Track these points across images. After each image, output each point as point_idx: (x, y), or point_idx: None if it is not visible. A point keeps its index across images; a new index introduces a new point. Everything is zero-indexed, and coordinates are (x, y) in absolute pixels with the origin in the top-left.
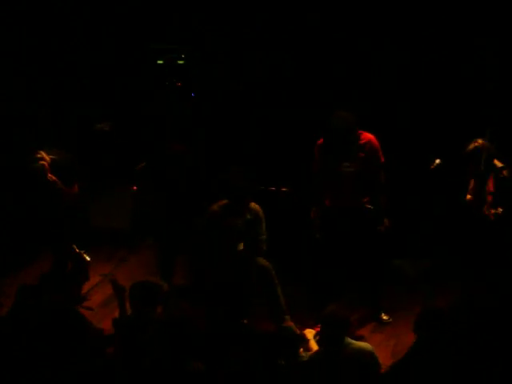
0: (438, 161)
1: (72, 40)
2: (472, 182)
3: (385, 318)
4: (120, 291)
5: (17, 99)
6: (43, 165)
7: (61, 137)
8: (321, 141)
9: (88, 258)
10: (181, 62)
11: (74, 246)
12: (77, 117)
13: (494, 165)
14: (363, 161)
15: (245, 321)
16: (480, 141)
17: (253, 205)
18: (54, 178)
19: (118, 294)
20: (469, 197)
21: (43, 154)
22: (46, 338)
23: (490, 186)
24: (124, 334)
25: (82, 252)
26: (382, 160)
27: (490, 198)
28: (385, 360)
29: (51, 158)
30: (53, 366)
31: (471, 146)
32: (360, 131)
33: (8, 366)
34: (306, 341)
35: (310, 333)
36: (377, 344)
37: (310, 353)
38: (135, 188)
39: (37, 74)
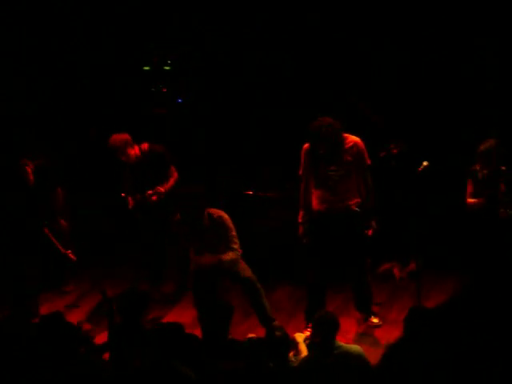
0: (425, 163)
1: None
2: (470, 185)
3: (375, 321)
4: (108, 302)
5: (17, 99)
6: (27, 170)
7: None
8: (307, 145)
9: (74, 258)
10: (167, 68)
11: (60, 247)
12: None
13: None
14: (350, 164)
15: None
16: (492, 141)
17: (212, 211)
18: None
19: (106, 305)
20: (471, 200)
21: (27, 160)
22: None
23: (502, 186)
24: (114, 341)
25: (68, 252)
26: (369, 162)
27: (502, 198)
28: (375, 362)
29: (35, 164)
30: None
31: (483, 147)
32: (345, 134)
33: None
34: (296, 344)
35: (299, 336)
36: (367, 347)
37: (300, 356)
38: (123, 194)
39: (37, 74)
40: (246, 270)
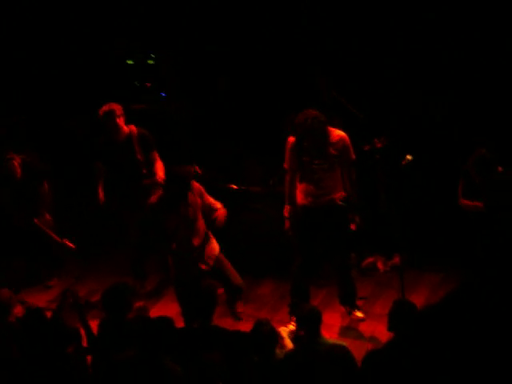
0: (409, 157)
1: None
2: (462, 184)
3: (359, 315)
4: (80, 308)
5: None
6: (14, 164)
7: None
8: (292, 138)
9: (72, 246)
10: (150, 61)
11: (56, 237)
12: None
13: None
14: (335, 158)
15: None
16: (483, 150)
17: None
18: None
19: (77, 310)
20: (467, 202)
21: (14, 154)
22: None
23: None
24: (99, 336)
25: (65, 240)
26: (353, 157)
27: None
28: (359, 357)
29: (22, 158)
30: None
31: (476, 157)
32: (331, 128)
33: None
34: (281, 338)
35: (284, 331)
36: (351, 341)
37: (284, 350)
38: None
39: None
40: (237, 278)
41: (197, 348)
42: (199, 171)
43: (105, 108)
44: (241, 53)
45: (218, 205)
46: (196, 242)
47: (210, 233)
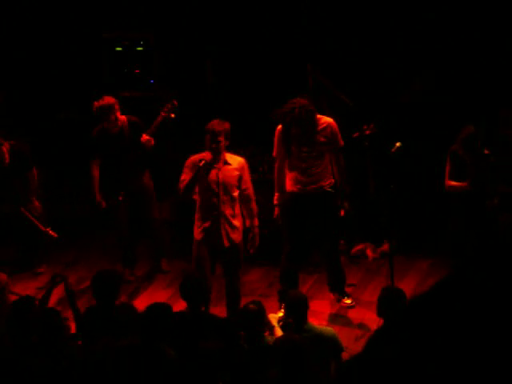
0: (398, 144)
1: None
2: (449, 165)
3: (348, 302)
4: (70, 294)
5: None
6: (3, 150)
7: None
8: (280, 126)
9: (55, 235)
10: (140, 48)
11: (39, 225)
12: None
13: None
14: (323, 145)
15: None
16: (471, 127)
17: (230, 156)
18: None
19: (68, 296)
20: (453, 183)
21: (2, 140)
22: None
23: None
24: (88, 323)
25: (48, 229)
26: (342, 143)
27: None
28: (348, 344)
29: (10, 144)
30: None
31: (465, 133)
32: (318, 115)
33: None
34: (271, 327)
35: (273, 318)
36: (340, 328)
37: (274, 337)
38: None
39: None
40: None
41: (191, 335)
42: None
43: (103, 102)
44: (226, 39)
45: None
46: None
47: None
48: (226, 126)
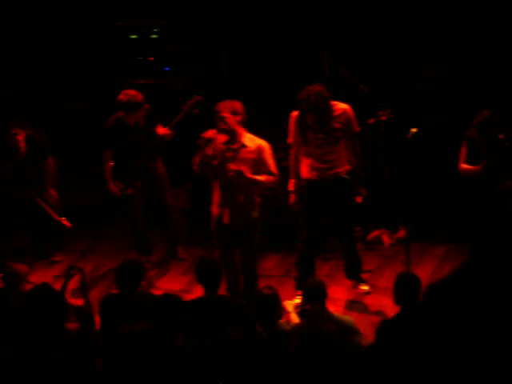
0: (414, 130)
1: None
2: (464, 149)
3: (364, 288)
4: (84, 286)
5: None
6: (19, 139)
7: (31, 112)
8: (295, 113)
9: (69, 224)
10: (154, 36)
11: (54, 214)
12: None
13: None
14: (339, 131)
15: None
16: (487, 112)
17: (251, 138)
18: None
19: (82, 288)
20: (466, 166)
21: (18, 129)
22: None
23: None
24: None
25: (63, 219)
26: (357, 130)
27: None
28: (365, 331)
29: (26, 133)
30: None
31: (480, 118)
32: (333, 102)
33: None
34: (287, 313)
35: (289, 305)
36: (357, 315)
37: (291, 324)
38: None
39: (8, 47)
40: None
41: (209, 321)
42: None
43: (135, 97)
44: (240, 26)
45: None
46: None
47: None
48: (233, 103)
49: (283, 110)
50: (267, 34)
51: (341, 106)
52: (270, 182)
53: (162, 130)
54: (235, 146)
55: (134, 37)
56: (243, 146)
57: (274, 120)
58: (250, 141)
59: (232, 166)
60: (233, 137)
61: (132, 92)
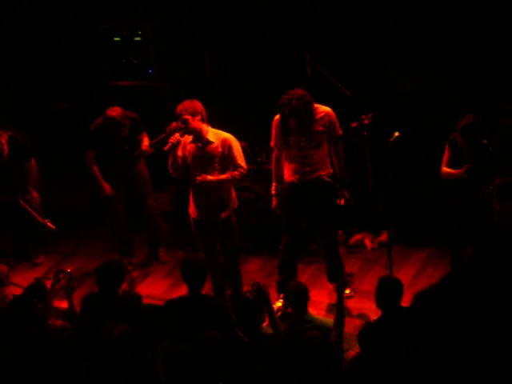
0: (397, 133)
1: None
2: (448, 152)
3: (346, 292)
4: (69, 290)
5: None
6: (1, 141)
7: (14, 114)
8: (278, 116)
9: (53, 226)
10: (138, 38)
11: (37, 216)
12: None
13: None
14: (321, 134)
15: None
16: (471, 116)
17: (216, 133)
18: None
19: (67, 290)
20: (448, 170)
21: (1, 131)
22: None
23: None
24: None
25: (46, 221)
26: (340, 132)
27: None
28: (347, 334)
29: (8, 135)
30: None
31: (464, 122)
32: (316, 105)
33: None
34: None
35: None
36: None
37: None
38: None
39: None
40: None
41: (191, 320)
42: None
43: (121, 119)
44: (223, 27)
45: None
46: None
47: None
48: (193, 104)
49: (266, 112)
50: (250, 35)
51: (323, 109)
52: (235, 177)
53: (145, 142)
54: (200, 144)
55: (117, 39)
56: (208, 142)
57: (257, 122)
58: (215, 136)
59: (197, 178)
60: (198, 136)
61: (117, 110)
